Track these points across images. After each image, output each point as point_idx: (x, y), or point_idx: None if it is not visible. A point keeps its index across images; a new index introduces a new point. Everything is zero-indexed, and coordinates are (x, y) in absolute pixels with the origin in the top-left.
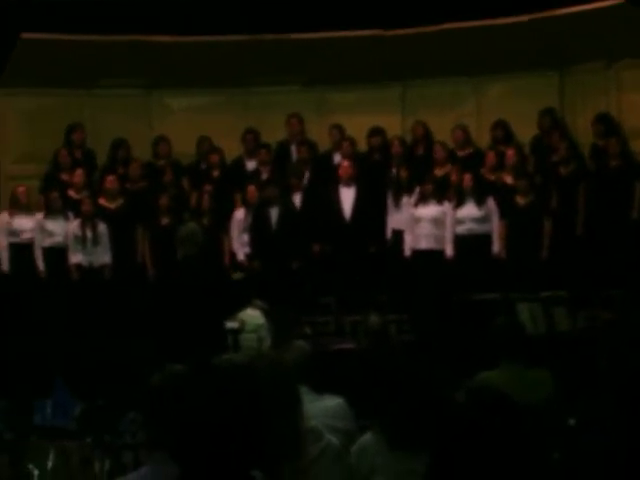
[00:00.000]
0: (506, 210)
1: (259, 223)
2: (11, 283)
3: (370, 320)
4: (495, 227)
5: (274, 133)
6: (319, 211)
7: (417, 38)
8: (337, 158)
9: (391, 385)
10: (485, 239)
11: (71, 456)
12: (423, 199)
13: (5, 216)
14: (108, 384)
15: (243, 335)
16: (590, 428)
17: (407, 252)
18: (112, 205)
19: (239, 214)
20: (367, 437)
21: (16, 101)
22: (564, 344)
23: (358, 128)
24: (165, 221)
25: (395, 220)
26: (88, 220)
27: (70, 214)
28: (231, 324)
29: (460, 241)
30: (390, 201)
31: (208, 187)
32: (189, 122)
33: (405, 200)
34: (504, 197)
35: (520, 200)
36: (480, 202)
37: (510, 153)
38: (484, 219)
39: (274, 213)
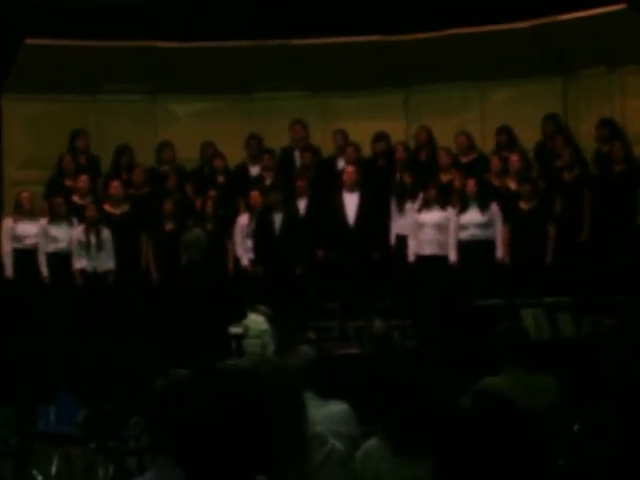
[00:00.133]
0: (509, 215)
1: (263, 229)
2: (15, 288)
3: (374, 326)
4: (498, 232)
5: (278, 139)
6: (323, 217)
7: (421, 44)
8: (341, 163)
9: (395, 391)
10: (488, 244)
11: (75, 462)
12: (427, 205)
13: (9, 221)
14: (112, 389)
15: (247, 341)
16: (594, 434)
17: (411, 257)
18: (117, 211)
19: (243, 219)
20: (371, 443)
21: (20, 107)
22: (568, 350)
23: (362, 133)
24: (169, 226)
25: (399, 226)
26: (92, 226)
27: (74, 220)
28: (235, 329)
29: (463, 247)
30: (394, 207)
31: (212, 192)
32: (193, 128)
33: (409, 206)
34: (508, 202)
35: (524, 205)
36: (484, 207)
37: (514, 158)
38: (487, 225)
39: (278, 219)
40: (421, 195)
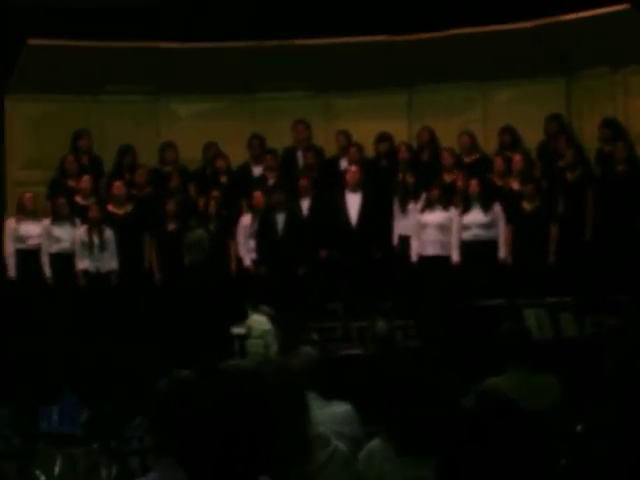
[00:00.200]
0: (512, 216)
1: (265, 229)
2: (18, 289)
3: (377, 326)
4: (501, 233)
5: (280, 139)
6: (325, 217)
7: (424, 44)
8: (343, 164)
9: (398, 391)
10: (491, 245)
11: (78, 462)
12: (429, 205)
13: (12, 222)
14: (114, 390)
15: (250, 341)
16: (597, 434)
17: (413, 258)
18: (120, 211)
19: (245, 220)
20: (374, 443)
21: (23, 107)
22: (570, 350)
23: (364, 134)
24: (172, 227)
25: (401, 226)
26: (95, 226)
27: (77, 220)
28: (237, 330)
29: (466, 247)
30: (396, 207)
31: (215, 193)
32: (195, 128)
33: (411, 206)
34: (510, 203)
35: (526, 205)
36: (486, 208)
37: (517, 158)
38: (490, 225)
39: (280, 219)
40: (424, 195)
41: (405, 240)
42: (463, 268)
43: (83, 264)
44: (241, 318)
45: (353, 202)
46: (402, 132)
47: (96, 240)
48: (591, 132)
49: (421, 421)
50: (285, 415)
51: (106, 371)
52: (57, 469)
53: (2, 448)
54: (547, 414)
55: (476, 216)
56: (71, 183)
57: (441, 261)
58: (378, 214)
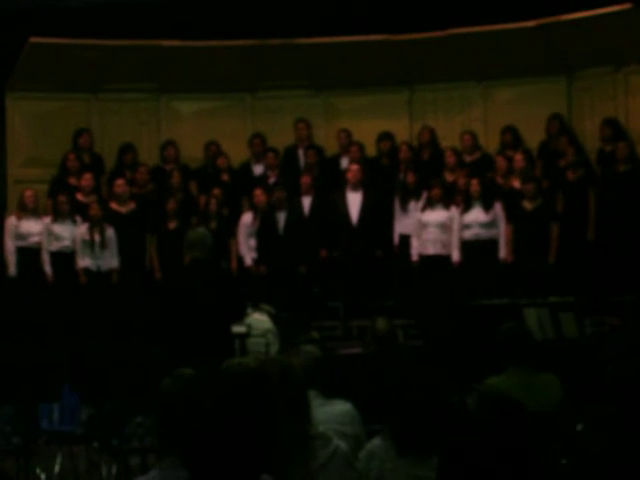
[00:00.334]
0: (513, 215)
1: (266, 227)
2: (18, 287)
3: (377, 325)
4: (502, 232)
5: (281, 137)
6: (326, 216)
7: (425, 43)
8: (344, 162)
9: (399, 390)
10: (492, 244)
11: (78, 460)
12: (430, 204)
13: (12, 220)
14: (115, 388)
15: (250, 339)
16: (597, 434)
17: (414, 257)
18: (123, 209)
19: (246, 218)
20: (375, 442)
21: (24, 105)
22: (571, 350)
23: (365, 133)
24: (172, 225)
25: (402, 225)
26: (96, 224)
27: (78, 218)
28: (238, 328)
29: (467, 246)
30: (397, 206)
31: (216, 191)
32: (197, 126)
33: (412, 205)
34: (511, 202)
35: (527, 205)
36: (487, 207)
37: (518, 158)
38: (491, 224)
39: (281, 217)
40: (425, 194)
41: (406, 239)
42: (464, 267)
43: (84, 262)
44: (242, 316)
45: (354, 201)
46: (403, 131)
47: (97, 238)
48: (592, 131)
49: (422, 420)
50: (286, 414)
51: (107, 369)
52: (57, 467)
53: (3, 446)
54: (548, 414)
55: (477, 215)
56: (72, 181)
57: (442, 260)
58: (379, 213)
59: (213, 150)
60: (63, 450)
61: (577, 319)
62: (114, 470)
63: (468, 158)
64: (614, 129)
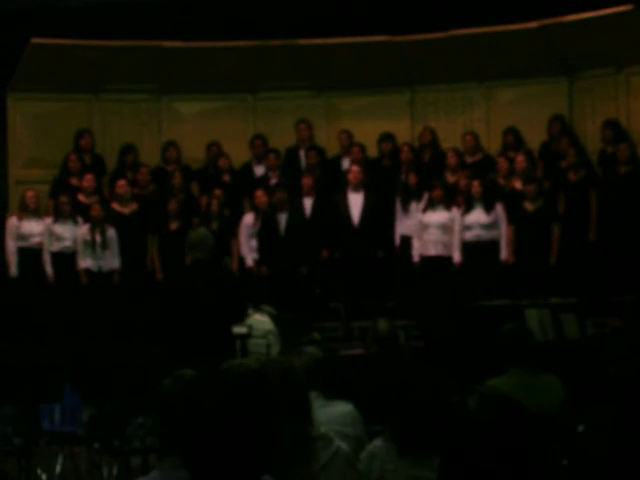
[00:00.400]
0: (514, 216)
1: (268, 228)
2: (20, 287)
3: (379, 326)
4: (503, 233)
5: (283, 138)
6: (328, 216)
7: (426, 44)
8: (346, 163)
9: (400, 391)
10: (493, 245)
11: (79, 461)
12: (431, 205)
13: (14, 220)
14: (116, 389)
15: (251, 340)
16: (599, 435)
17: (415, 258)
18: (126, 210)
19: (248, 219)
20: (377, 443)
21: (25, 105)
22: (573, 351)
23: (366, 134)
24: (174, 226)
25: (404, 226)
26: (97, 225)
27: (79, 219)
28: (239, 329)
29: (468, 247)
30: (398, 207)
31: (217, 192)
32: (198, 127)
33: (414, 206)
34: (512, 203)
35: (528, 206)
36: (488, 208)
37: (519, 159)
38: (492, 225)
39: (283, 218)
40: (426, 195)
41: (407, 240)
42: (465, 268)
43: (85, 263)
44: (243, 317)
45: (355, 202)
46: (404, 132)
47: (98, 239)
48: (594, 133)
49: (423, 421)
50: (287, 415)
51: (108, 370)
52: (59, 468)
53: (4, 446)
54: (549, 414)
55: (478, 216)
56: (74, 182)
57: (443, 261)
58: (380, 214)
59: (214, 151)
60: (64, 451)
61: (578, 320)
62: (115, 471)
63: (470, 159)
64: (615, 130)
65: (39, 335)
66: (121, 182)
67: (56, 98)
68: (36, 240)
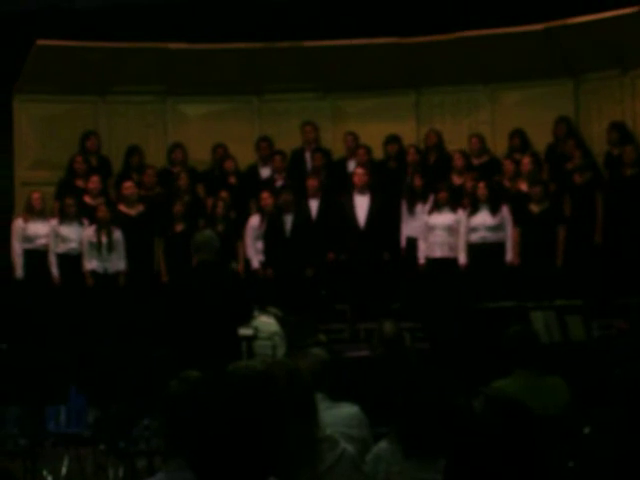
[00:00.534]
0: (520, 218)
1: (274, 230)
2: (25, 289)
3: (385, 328)
4: (509, 235)
5: (289, 140)
6: (334, 218)
7: (432, 46)
8: (351, 165)
9: (406, 393)
10: (498, 247)
11: (85, 462)
12: (437, 207)
13: (20, 222)
14: (122, 390)
15: (257, 342)
16: (604, 436)
17: (421, 260)
18: (132, 211)
19: (254, 221)
20: (382, 445)
21: (31, 107)
22: (578, 353)
23: (372, 135)
24: (180, 227)
25: (409, 228)
26: (103, 226)
27: (85, 220)
28: (245, 331)
29: (474, 249)
30: (404, 209)
31: (223, 194)
32: (204, 129)
33: (419, 208)
34: (518, 205)
35: (534, 208)
36: (494, 210)
37: (525, 161)
38: (498, 227)
39: (289, 220)
40: (432, 197)
41: (413, 242)
42: (471, 270)
43: (91, 264)
44: (249, 319)
45: (361, 204)
46: (410, 134)
47: (104, 240)
48: (599, 135)
49: (429, 423)
50: (293, 417)
51: (113, 372)
52: (64, 469)
53: (9, 448)
54: (554, 417)
55: (484, 218)
56: (79, 183)
57: (449, 263)
58: (386, 216)
59: (220, 153)
60: (70, 452)
61: (584, 322)
62: (121, 472)
63: (476, 161)
64: (621, 133)
65: (45, 337)
66: (128, 183)
67: (62, 100)
68: (42, 242)
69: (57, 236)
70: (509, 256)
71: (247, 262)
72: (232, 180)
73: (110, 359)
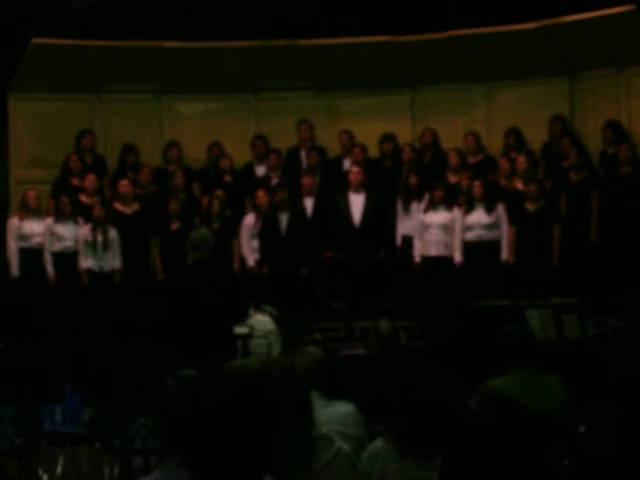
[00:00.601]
0: (515, 216)
1: (269, 229)
2: (21, 287)
3: (380, 326)
4: (505, 233)
5: (284, 139)
6: (329, 217)
7: (427, 44)
8: (347, 164)
9: (401, 391)
10: (494, 245)
11: (81, 461)
12: (432, 205)
13: (15, 220)
14: (118, 389)
15: (253, 341)
16: (600, 435)
17: (417, 258)
18: (128, 210)
19: (249, 219)
20: (378, 443)
21: (26, 106)
22: (574, 351)
23: (368, 134)
24: (175, 226)
25: (405, 226)
26: (99, 225)
27: (80, 219)
28: (241, 330)
29: (469, 247)
30: (400, 207)
31: (219, 192)
32: (199, 127)
33: (415, 206)
34: (513, 203)
35: (530, 206)
36: (490, 208)
37: (521, 159)
38: (493, 226)
39: (284, 219)
40: (427, 196)
41: (408, 240)
42: (466, 269)
43: (86, 263)
44: (244, 318)
45: (356, 202)
46: (405, 132)
47: (99, 239)
48: (595, 133)
49: (424, 421)
50: (289, 415)
51: (109, 370)
52: (60, 468)
53: (5, 447)
54: (550, 415)
55: (479, 217)
56: (75, 182)
57: (444, 261)
58: (381, 214)
59: (216, 151)
60: (65, 451)
61: (580, 320)
62: (117, 471)
63: (471, 159)
64: (616, 131)
65: (40, 335)
66: (123, 182)
67: (57, 98)
68: (37, 240)
69: (52, 234)
70: (504, 254)
71: (242, 260)
72: (227, 178)
73: (105, 358)
